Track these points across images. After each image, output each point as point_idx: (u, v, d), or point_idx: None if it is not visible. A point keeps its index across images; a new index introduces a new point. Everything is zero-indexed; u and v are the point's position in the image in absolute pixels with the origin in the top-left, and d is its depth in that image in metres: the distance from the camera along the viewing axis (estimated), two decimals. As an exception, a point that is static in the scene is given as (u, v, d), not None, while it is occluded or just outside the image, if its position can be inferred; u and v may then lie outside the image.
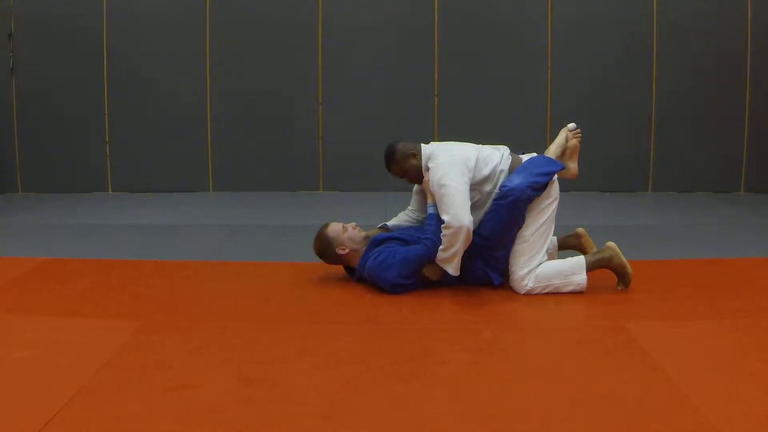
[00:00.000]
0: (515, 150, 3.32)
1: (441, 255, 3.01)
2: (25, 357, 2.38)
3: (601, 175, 6.22)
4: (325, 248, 3.27)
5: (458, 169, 3.04)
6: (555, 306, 2.98)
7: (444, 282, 3.13)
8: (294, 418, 1.95)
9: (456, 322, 2.81)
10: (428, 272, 3.09)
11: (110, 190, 6.35)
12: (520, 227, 3.08)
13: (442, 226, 2.97)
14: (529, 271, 3.07)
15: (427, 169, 3.15)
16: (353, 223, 3.33)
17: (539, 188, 3.05)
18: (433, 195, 3.08)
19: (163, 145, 6.28)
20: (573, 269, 3.09)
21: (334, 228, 3.27)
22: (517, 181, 3.06)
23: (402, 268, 3.05)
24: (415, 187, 3.40)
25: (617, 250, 3.15)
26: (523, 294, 3.08)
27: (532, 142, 6.00)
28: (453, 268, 3.03)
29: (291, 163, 6.34)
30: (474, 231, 3.00)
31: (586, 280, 3.09)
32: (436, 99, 6.22)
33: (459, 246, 2.96)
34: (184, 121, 6.28)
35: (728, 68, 6.09)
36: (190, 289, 3.27)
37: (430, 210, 3.12)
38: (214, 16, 6.18)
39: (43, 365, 2.32)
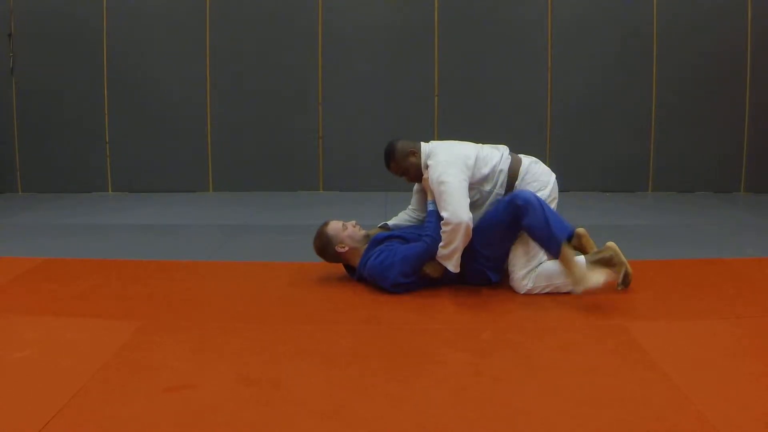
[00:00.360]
0: (515, 150, 3.33)
1: (441, 252, 3.01)
2: (25, 357, 2.38)
3: (601, 175, 6.23)
4: (324, 246, 3.28)
5: (457, 167, 3.05)
6: (555, 306, 2.98)
7: (444, 280, 3.14)
8: (294, 418, 1.95)
9: (456, 322, 2.81)
10: (429, 269, 3.09)
11: (110, 190, 6.35)
12: (510, 229, 3.05)
13: (442, 222, 2.97)
14: (529, 271, 3.08)
15: (426, 167, 3.15)
16: (353, 222, 3.34)
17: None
18: (432, 192, 3.09)
19: (163, 145, 6.29)
20: (574, 281, 3.08)
21: (334, 226, 3.28)
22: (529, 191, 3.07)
23: (403, 266, 3.05)
24: (416, 186, 3.41)
25: (617, 249, 3.15)
26: (523, 293, 3.08)
27: (532, 141, 6.03)
28: (453, 265, 3.03)
29: (291, 163, 6.34)
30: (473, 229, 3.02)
31: (580, 292, 3.08)
32: (436, 99, 6.23)
33: (458, 242, 2.96)
34: (184, 121, 6.28)
35: (728, 68, 6.08)
36: (190, 289, 3.27)
37: (430, 207, 3.13)
38: (215, 16, 6.18)
39: (43, 365, 2.32)
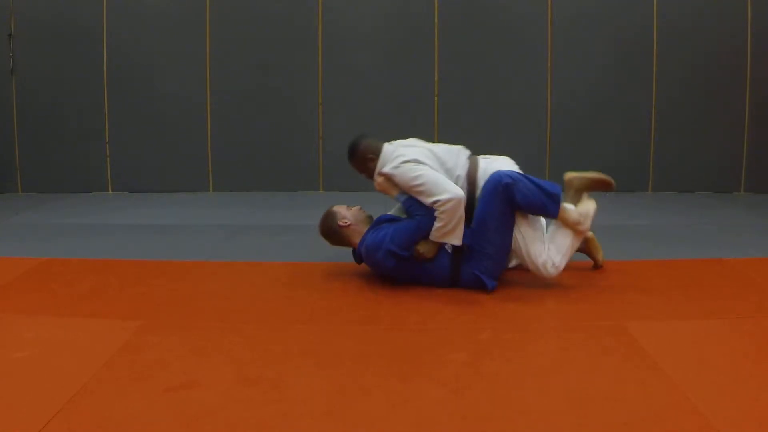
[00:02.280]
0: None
1: (443, 230, 3.03)
2: (25, 357, 2.38)
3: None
4: (328, 223, 3.36)
5: (422, 160, 3.12)
6: (555, 306, 2.98)
7: (439, 284, 3.16)
8: (294, 418, 1.95)
9: (456, 322, 2.81)
10: (423, 248, 3.11)
11: (110, 190, 6.35)
12: (504, 215, 3.08)
13: (437, 205, 2.99)
14: (548, 252, 3.12)
15: (380, 174, 3.22)
16: (358, 206, 3.43)
17: (525, 190, 3.05)
18: (395, 190, 3.18)
19: (163, 145, 6.29)
20: (579, 222, 3.18)
21: (338, 206, 3.40)
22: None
23: (394, 236, 3.09)
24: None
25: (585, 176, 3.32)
26: (555, 274, 3.13)
27: (532, 141, 6.04)
28: (457, 237, 3.05)
29: (291, 163, 6.33)
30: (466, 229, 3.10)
31: (588, 226, 3.22)
32: (436, 99, 6.22)
33: (457, 218, 3.01)
34: (184, 121, 6.28)
35: (728, 68, 6.08)
36: (190, 289, 3.27)
37: (401, 198, 3.18)
38: (215, 16, 6.18)
39: (43, 365, 2.32)
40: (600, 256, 3.45)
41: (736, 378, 2.21)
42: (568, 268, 3.51)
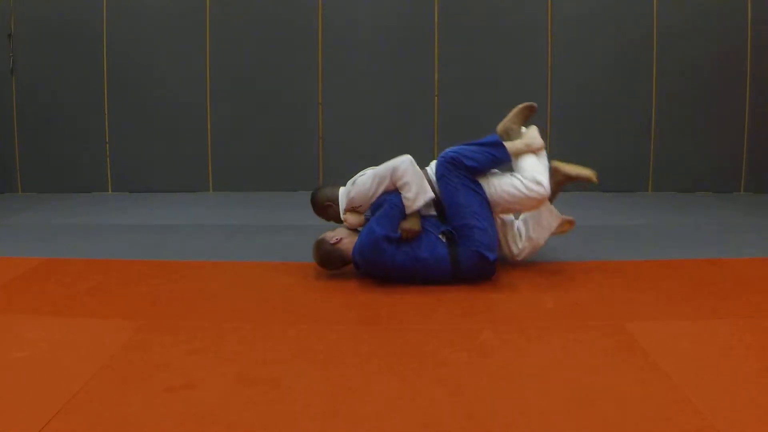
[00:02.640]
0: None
1: (412, 193, 3.19)
2: (25, 357, 2.38)
3: (602, 175, 6.20)
4: (321, 248, 3.35)
5: (359, 179, 3.35)
6: (555, 306, 2.98)
7: (440, 278, 3.18)
8: (294, 418, 1.95)
9: (456, 322, 2.81)
10: (407, 224, 3.21)
11: (110, 190, 6.34)
12: (471, 188, 3.22)
13: (395, 175, 3.19)
14: (523, 179, 3.28)
15: (345, 212, 3.39)
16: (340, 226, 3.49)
17: (460, 165, 3.24)
18: (362, 217, 3.35)
19: (163, 145, 6.28)
20: (529, 142, 3.38)
21: (323, 234, 3.43)
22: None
23: (378, 223, 3.18)
24: None
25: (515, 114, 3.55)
26: (545, 192, 3.27)
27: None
28: (426, 191, 3.23)
29: (291, 163, 6.33)
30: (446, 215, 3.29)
31: (540, 141, 3.43)
32: (436, 99, 6.22)
33: (417, 176, 3.21)
34: (184, 121, 6.28)
35: (728, 68, 6.08)
36: (190, 289, 3.27)
37: (369, 214, 3.33)
38: (215, 16, 6.18)
39: (43, 365, 2.32)
40: (580, 170, 3.53)
41: (736, 378, 2.21)
42: (568, 268, 3.52)
